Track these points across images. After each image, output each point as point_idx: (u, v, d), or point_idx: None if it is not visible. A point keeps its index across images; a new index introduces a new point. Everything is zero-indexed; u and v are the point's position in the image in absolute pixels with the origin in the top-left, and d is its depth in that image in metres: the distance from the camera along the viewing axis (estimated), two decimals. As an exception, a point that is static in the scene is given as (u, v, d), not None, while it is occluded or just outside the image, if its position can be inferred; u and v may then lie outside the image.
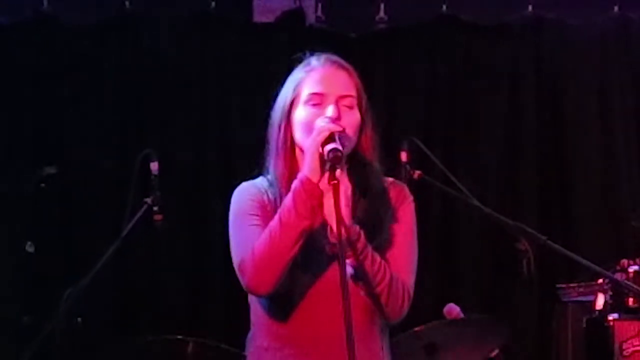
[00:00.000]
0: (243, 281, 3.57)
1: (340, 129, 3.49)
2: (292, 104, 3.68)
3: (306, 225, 3.46)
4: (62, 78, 6.94)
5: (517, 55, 7.17)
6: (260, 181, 3.76)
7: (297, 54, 3.79)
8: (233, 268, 3.66)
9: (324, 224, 3.50)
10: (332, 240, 3.43)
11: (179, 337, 5.33)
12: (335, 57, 3.72)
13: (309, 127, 3.57)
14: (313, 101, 3.62)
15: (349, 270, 3.47)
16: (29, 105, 6.92)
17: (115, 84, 6.99)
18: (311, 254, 3.56)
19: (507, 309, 6.51)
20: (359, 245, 3.47)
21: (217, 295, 6.73)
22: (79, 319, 5.07)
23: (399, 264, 3.64)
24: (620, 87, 7.16)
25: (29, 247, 6.08)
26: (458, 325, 5.57)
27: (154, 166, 5.12)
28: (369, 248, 3.50)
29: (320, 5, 7.10)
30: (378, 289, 3.54)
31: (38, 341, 5.11)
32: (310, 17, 7.08)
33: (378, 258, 3.52)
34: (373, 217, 3.64)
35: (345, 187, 3.42)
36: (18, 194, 6.53)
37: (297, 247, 3.47)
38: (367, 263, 3.50)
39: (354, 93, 3.65)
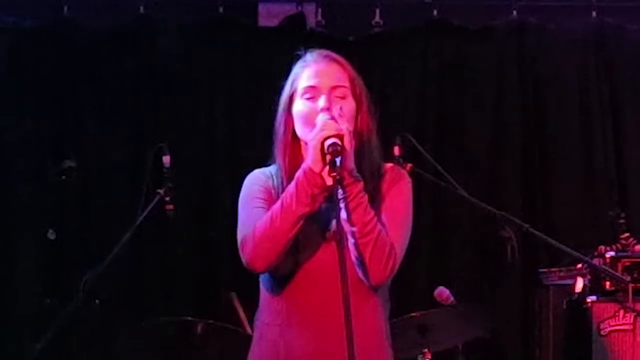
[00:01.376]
0: (243, 257, 3.57)
1: (342, 131, 3.47)
2: (291, 98, 3.70)
3: (305, 211, 3.46)
4: (81, 79, 6.92)
5: (501, 57, 7.13)
6: (270, 169, 3.77)
7: (296, 53, 3.79)
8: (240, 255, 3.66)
9: (324, 209, 3.52)
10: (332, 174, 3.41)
11: (189, 318, 5.31)
12: (327, 52, 3.74)
13: (305, 119, 3.60)
14: (308, 94, 3.64)
15: (343, 214, 3.46)
16: (50, 104, 6.88)
17: (131, 84, 6.95)
18: (309, 236, 3.56)
19: (493, 292, 6.49)
20: (356, 190, 3.46)
21: (225, 280, 6.68)
22: (97, 301, 5.04)
23: (389, 228, 3.58)
24: (598, 86, 7.12)
25: (51, 235, 6.07)
26: (448, 309, 5.54)
27: (166, 159, 5.13)
28: (366, 198, 3.48)
29: (320, 10, 7.08)
30: (365, 239, 3.49)
31: (59, 322, 5.11)
32: (311, 22, 7.06)
33: (372, 212, 3.49)
34: (370, 192, 3.59)
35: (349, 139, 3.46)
36: (41, 186, 6.51)
37: (295, 230, 3.48)
38: (360, 210, 3.46)
39: (346, 83, 3.65)
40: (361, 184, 3.46)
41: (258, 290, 3.81)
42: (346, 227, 3.48)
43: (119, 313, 6.23)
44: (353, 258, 3.52)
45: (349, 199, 3.47)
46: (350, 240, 3.50)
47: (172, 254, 6.81)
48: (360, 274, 3.54)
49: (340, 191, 3.44)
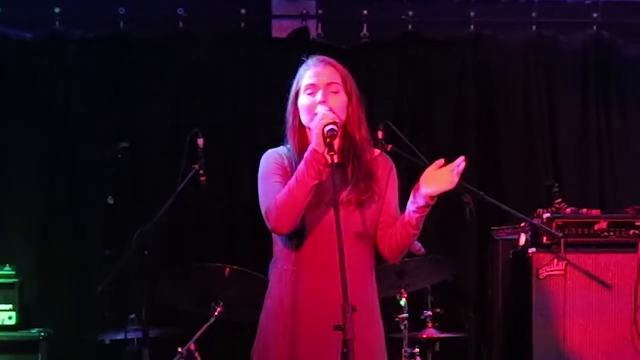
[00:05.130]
0: (268, 224, 3.62)
1: (337, 118, 3.57)
2: (297, 94, 3.75)
3: (314, 183, 3.52)
4: (134, 80, 6.89)
5: (462, 62, 7.08)
6: (281, 149, 3.80)
7: (301, 58, 3.85)
8: (257, 214, 3.73)
9: (324, 182, 3.57)
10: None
11: (219, 264, 5.29)
12: (323, 57, 3.80)
13: (307, 109, 3.68)
14: (309, 90, 3.69)
15: (407, 218, 3.65)
16: (111, 100, 6.86)
17: (173, 84, 6.92)
18: (314, 202, 3.59)
19: (455, 245, 6.48)
20: (427, 210, 3.61)
21: (246, 234, 6.68)
22: (146, 252, 5.00)
23: (396, 215, 3.75)
24: (537, 86, 7.06)
25: (110, 200, 6.04)
26: (421, 259, 5.53)
27: (200, 142, 5.12)
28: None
29: (320, 25, 7.03)
30: (413, 239, 3.72)
31: (117, 268, 5.12)
32: (313, 34, 7.03)
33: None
34: (364, 172, 3.73)
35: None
36: (102, 162, 6.48)
37: (308, 199, 3.54)
38: (421, 221, 3.65)
39: (338, 81, 3.71)
40: (429, 208, 3.59)
41: (271, 243, 3.84)
42: (409, 229, 3.64)
43: (163, 260, 6.23)
44: (396, 242, 3.69)
45: (423, 214, 3.60)
46: (406, 233, 3.66)
47: (204, 215, 6.78)
48: (389, 251, 3.74)
49: (416, 205, 3.59)
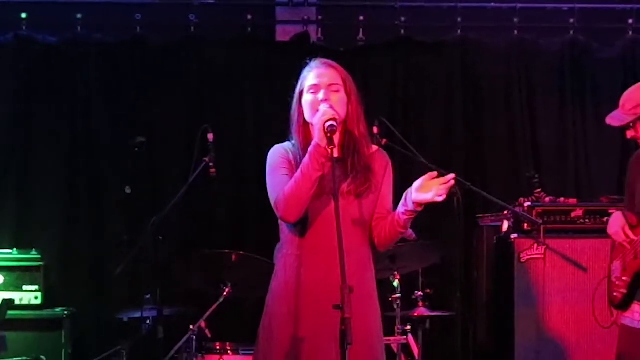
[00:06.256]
0: (278, 213, 3.66)
1: (337, 115, 3.59)
2: (301, 93, 3.75)
3: (318, 175, 3.55)
4: (149, 80, 6.87)
5: (450, 64, 7.06)
6: (287, 145, 3.80)
7: (305, 61, 3.84)
8: (264, 204, 3.77)
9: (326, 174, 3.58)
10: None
11: (226, 250, 5.27)
12: (325, 60, 3.81)
13: (310, 107, 3.68)
14: (312, 90, 3.70)
15: (398, 218, 3.67)
16: (128, 98, 6.84)
17: (186, 83, 6.89)
18: (320, 194, 3.62)
19: (444, 231, 6.44)
20: (415, 215, 3.64)
21: (253, 222, 6.66)
22: (160, 237, 4.99)
23: (390, 209, 3.77)
24: (519, 85, 7.04)
25: (127, 190, 6.01)
26: (412, 244, 5.51)
27: (210, 136, 5.11)
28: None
29: (320, 29, 7.01)
30: (400, 236, 3.77)
31: (134, 252, 5.10)
32: (313, 38, 7.00)
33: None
34: (363, 165, 3.74)
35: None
36: (120, 155, 6.49)
37: (313, 190, 3.57)
38: (409, 223, 3.69)
39: (339, 82, 3.71)
40: (417, 214, 3.63)
41: (276, 231, 3.84)
42: (397, 227, 3.68)
43: (176, 245, 6.22)
44: (384, 235, 3.73)
45: (411, 217, 3.64)
46: (394, 230, 3.69)
47: (214, 204, 6.75)
48: (378, 241, 3.76)
49: (405, 208, 3.62)
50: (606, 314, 5.20)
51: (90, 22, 6.78)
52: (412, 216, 3.62)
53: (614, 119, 4.80)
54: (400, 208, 3.64)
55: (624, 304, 4.63)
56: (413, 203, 3.55)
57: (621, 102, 4.75)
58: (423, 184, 3.54)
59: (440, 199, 3.52)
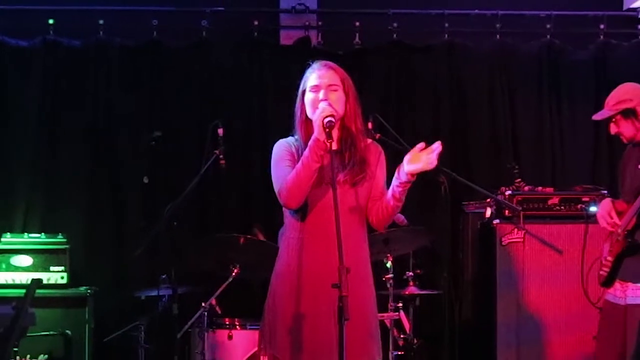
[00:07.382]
0: (281, 200, 3.66)
1: (335, 112, 3.60)
2: (303, 92, 3.76)
3: (317, 166, 3.57)
4: (165, 80, 6.85)
5: (438, 65, 7.05)
6: (290, 139, 3.82)
7: (307, 63, 3.85)
8: (269, 192, 3.78)
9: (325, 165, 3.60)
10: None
11: (234, 234, 5.28)
12: (326, 62, 3.81)
13: (311, 105, 3.69)
14: (313, 89, 3.71)
15: (391, 192, 3.67)
16: (146, 97, 6.82)
17: (198, 83, 6.87)
18: (319, 183, 3.64)
19: (432, 217, 6.45)
20: (409, 185, 3.63)
21: (259, 208, 6.65)
22: (175, 223, 5.00)
23: (383, 191, 3.77)
24: (500, 85, 7.03)
25: (145, 180, 6.01)
26: (404, 229, 5.52)
27: (220, 131, 5.13)
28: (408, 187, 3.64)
29: (320, 34, 6.99)
30: (397, 210, 3.73)
31: (151, 236, 5.11)
32: (314, 42, 6.98)
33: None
34: (359, 157, 3.74)
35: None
36: (139, 148, 6.49)
37: (313, 179, 3.58)
38: (404, 195, 3.66)
39: (338, 82, 3.72)
40: (410, 184, 3.61)
41: (280, 217, 3.85)
42: (393, 201, 3.66)
43: (190, 230, 6.22)
44: (382, 212, 3.72)
45: (405, 189, 3.62)
46: (391, 205, 3.68)
47: (224, 193, 6.73)
48: (377, 220, 3.76)
49: (399, 180, 3.61)
50: (581, 293, 5.20)
51: (111, 27, 6.77)
52: (406, 187, 3.63)
53: (598, 115, 4.82)
54: (394, 182, 3.65)
55: (608, 282, 4.68)
56: (406, 174, 3.56)
57: (606, 100, 4.77)
58: (412, 156, 3.56)
59: (431, 166, 3.53)
